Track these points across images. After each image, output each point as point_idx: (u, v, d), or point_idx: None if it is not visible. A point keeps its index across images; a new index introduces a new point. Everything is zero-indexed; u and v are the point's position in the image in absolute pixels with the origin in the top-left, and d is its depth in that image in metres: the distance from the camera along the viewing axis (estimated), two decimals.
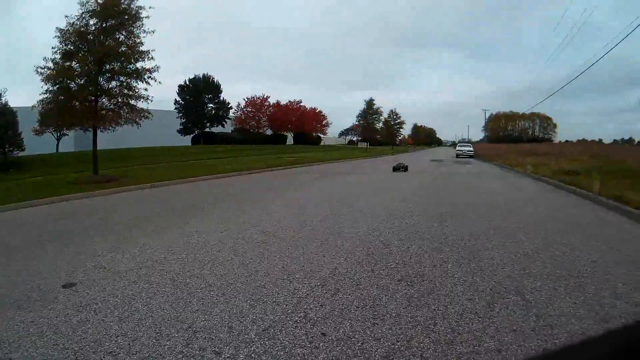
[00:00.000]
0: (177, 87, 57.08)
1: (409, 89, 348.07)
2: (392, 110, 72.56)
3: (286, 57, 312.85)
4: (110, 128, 16.03)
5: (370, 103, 64.70)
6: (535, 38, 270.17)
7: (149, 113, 16.11)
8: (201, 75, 58.04)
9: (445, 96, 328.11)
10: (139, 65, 15.47)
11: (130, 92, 15.56)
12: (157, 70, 15.73)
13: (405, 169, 17.23)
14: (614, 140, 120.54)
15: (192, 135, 58.29)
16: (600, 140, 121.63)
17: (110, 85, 15.52)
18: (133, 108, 15.65)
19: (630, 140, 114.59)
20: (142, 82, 15.54)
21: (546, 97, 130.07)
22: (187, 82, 57.28)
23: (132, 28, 15.44)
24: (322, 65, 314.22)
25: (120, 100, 15.50)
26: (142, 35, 15.57)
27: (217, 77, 65.89)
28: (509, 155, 33.14)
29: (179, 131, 56.52)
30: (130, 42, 15.44)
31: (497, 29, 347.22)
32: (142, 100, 15.83)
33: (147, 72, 15.46)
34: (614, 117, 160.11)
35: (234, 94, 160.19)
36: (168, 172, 17.34)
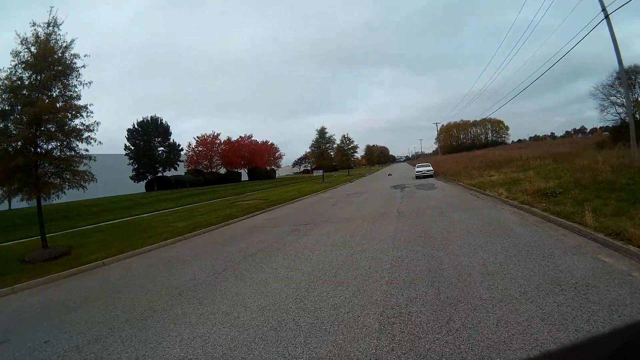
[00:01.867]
0: (126, 132, 55.15)
1: (358, 109, 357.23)
2: (344, 136, 74.13)
3: (233, 88, 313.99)
4: (54, 196, 14.69)
5: (322, 132, 64.90)
6: (475, 47, 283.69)
7: (92, 176, 14.70)
8: (149, 118, 56.34)
9: (394, 112, 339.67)
10: (77, 122, 14.16)
11: (72, 153, 14.22)
12: (97, 129, 14.44)
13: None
14: (566, 132, 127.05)
15: (145, 181, 56.31)
16: (552, 134, 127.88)
17: (50, 147, 14.05)
18: (76, 172, 14.24)
19: (582, 129, 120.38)
20: (81, 142, 14.23)
21: (502, 104, 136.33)
22: (136, 126, 55.45)
23: (67, 80, 14.12)
24: (270, 94, 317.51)
25: (61, 165, 14.14)
26: (78, 87, 14.31)
27: (166, 117, 65.16)
28: (471, 170, 32.98)
29: (131, 177, 54.61)
30: (67, 96, 14.14)
31: (436, 42, 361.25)
32: (84, 161, 14.60)
33: (87, 130, 14.16)
34: (563, 110, 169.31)
35: (185, 130, 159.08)
36: (120, 239, 16.21)
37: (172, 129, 59.00)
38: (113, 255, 13.37)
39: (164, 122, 57.03)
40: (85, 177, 14.52)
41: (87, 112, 14.27)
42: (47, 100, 13.44)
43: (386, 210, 16.76)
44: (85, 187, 14.74)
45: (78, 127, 14.18)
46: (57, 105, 13.71)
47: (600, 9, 18.18)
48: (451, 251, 8.55)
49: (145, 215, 26.21)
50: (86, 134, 14.21)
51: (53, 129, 13.78)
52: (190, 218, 21.63)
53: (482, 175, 28.26)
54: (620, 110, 41.04)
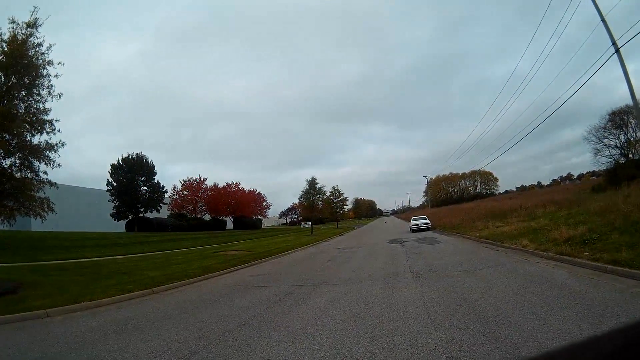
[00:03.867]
0: (110, 167, 52.98)
1: (348, 163, 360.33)
2: (334, 188, 72.92)
3: (224, 136, 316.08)
4: (5, 222, 12.40)
5: (312, 182, 63.69)
6: (463, 99, 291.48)
7: (52, 205, 12.59)
8: (135, 155, 54.19)
9: (384, 166, 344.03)
10: (41, 138, 12.41)
11: (32, 175, 12.29)
12: (58, 148, 12.59)
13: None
14: (553, 180, 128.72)
15: (126, 220, 53.49)
16: (539, 183, 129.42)
17: (8, 164, 12.04)
18: (30, 196, 12.06)
19: (569, 176, 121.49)
20: (40, 162, 12.22)
21: (495, 157, 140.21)
22: (120, 162, 53.20)
23: (34, 87, 12.14)
24: (260, 144, 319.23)
25: (16, 186, 11.94)
26: (47, 98, 12.42)
27: (156, 160, 63.19)
28: (475, 222, 31.40)
29: (112, 215, 51.94)
30: (33, 107, 12.20)
31: (425, 96, 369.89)
32: (42, 187, 12.57)
33: (48, 149, 12.18)
34: (549, 159, 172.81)
35: (172, 175, 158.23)
36: (80, 283, 13.75)
37: (160, 172, 57.25)
38: (63, 304, 10.99)
39: (149, 160, 54.79)
40: (44, 205, 12.43)
41: (53, 128, 12.31)
42: (7, 106, 11.34)
43: (396, 270, 14.01)
44: (44, 216, 12.64)
45: (41, 144, 12.28)
46: (18, 112, 11.63)
47: (610, 43, 18.52)
48: (516, 325, 6.14)
49: (119, 257, 23.97)
50: (46, 152, 12.20)
51: (8, 140, 11.64)
52: (166, 267, 19.14)
53: (488, 226, 26.52)
54: (614, 152, 41.80)
